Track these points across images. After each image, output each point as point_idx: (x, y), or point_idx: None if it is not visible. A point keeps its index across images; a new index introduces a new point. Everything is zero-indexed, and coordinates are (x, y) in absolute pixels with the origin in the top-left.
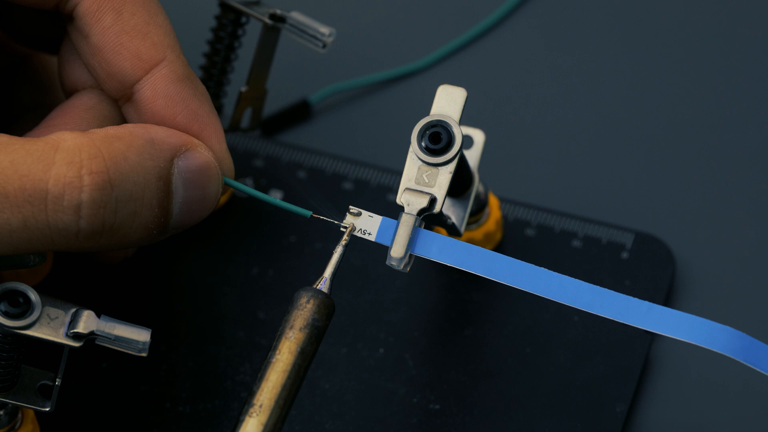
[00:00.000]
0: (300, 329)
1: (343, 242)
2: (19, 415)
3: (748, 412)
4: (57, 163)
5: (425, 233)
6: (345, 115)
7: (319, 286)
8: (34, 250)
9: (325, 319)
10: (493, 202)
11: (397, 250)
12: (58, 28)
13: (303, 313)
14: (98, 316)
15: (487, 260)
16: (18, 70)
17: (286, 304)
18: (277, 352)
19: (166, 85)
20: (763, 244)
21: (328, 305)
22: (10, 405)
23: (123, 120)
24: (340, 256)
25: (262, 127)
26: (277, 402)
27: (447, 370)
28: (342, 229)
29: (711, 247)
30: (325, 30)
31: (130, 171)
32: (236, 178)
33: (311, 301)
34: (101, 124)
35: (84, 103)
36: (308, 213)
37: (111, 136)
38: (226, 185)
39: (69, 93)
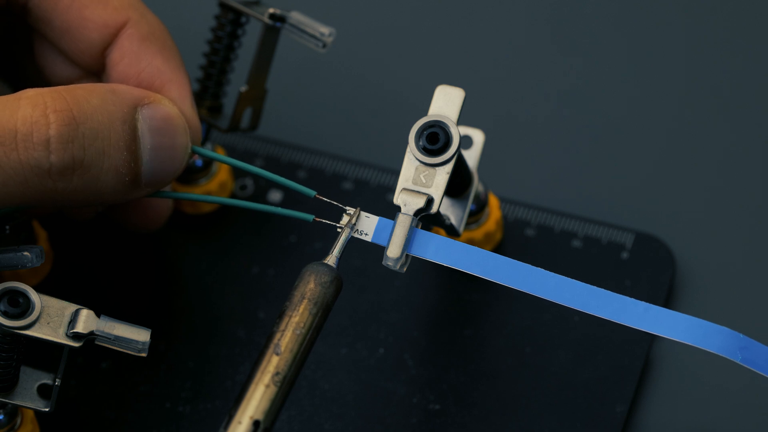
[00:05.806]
0: (319, 309)
1: (351, 223)
2: (19, 415)
3: (747, 412)
4: (22, 107)
5: (422, 233)
6: (345, 115)
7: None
8: (8, 198)
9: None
10: (493, 202)
11: (393, 251)
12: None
13: (322, 290)
14: (98, 316)
15: (483, 260)
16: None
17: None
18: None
19: (131, 44)
20: (763, 245)
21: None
22: (9, 405)
23: None
24: (347, 237)
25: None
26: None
27: (447, 370)
28: (347, 214)
29: (711, 247)
30: (325, 30)
31: (93, 111)
32: (236, 179)
33: (334, 283)
34: None
35: None
36: (310, 217)
37: (72, 86)
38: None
39: None
